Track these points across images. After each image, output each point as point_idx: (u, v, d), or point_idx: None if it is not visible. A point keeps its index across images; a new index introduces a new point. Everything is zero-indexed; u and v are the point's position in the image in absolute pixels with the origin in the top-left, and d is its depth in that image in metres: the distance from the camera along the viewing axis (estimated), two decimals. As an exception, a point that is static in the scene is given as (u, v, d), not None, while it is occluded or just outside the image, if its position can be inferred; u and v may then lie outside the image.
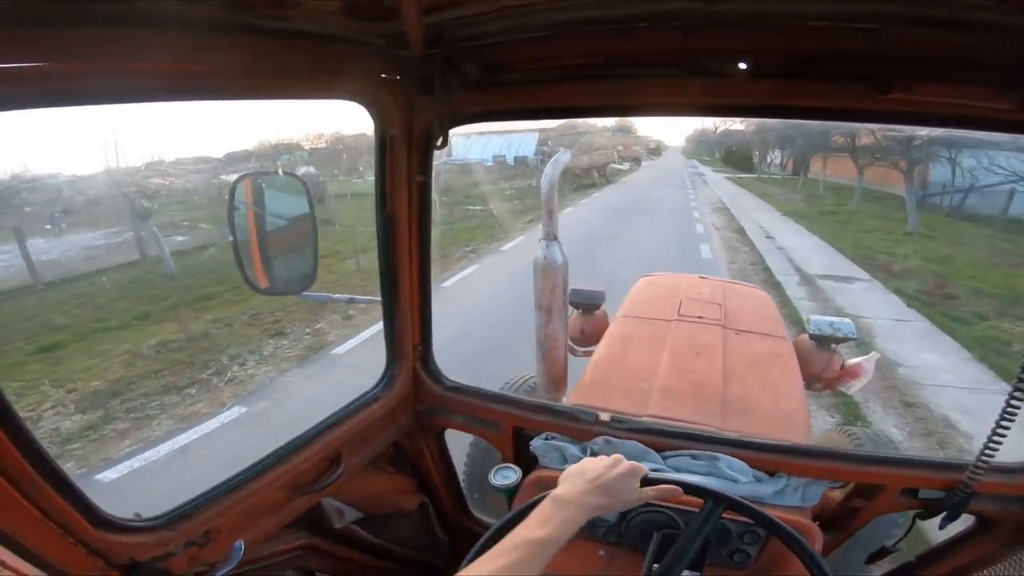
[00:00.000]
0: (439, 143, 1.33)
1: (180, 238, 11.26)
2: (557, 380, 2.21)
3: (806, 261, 10.75)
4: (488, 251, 11.73)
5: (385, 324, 1.55)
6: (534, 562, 0.79)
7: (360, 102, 1.24)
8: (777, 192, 24.08)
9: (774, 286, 8.65)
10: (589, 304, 2.92)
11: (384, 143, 1.32)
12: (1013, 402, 1.08)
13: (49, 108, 0.73)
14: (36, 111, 0.75)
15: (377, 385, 1.58)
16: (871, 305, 7.91)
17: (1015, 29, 0.84)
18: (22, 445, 0.78)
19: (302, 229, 1.50)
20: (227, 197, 1.40)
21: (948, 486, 1.30)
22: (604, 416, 1.51)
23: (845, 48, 0.97)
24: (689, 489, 1.11)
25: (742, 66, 1.04)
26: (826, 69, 1.00)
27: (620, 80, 1.15)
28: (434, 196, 1.47)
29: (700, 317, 2.47)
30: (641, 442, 1.45)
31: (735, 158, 41.06)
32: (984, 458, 1.19)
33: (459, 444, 2.49)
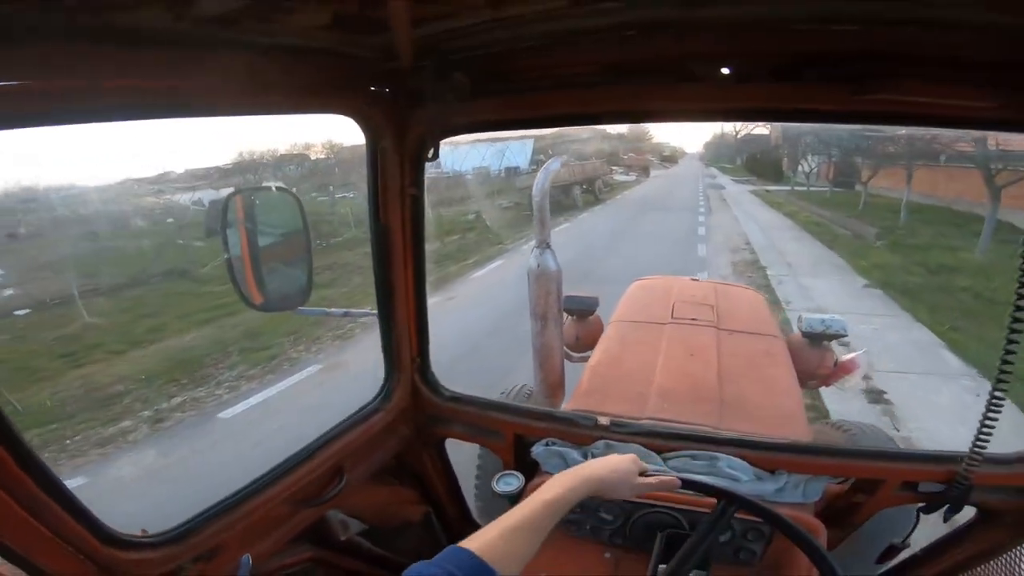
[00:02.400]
0: (430, 155, 1.34)
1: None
2: (554, 387, 2.22)
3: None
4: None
5: (382, 336, 1.54)
6: (544, 521, 0.85)
7: (350, 116, 1.23)
8: (832, 218, 15.34)
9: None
10: (583, 310, 2.94)
11: (376, 156, 1.32)
12: (997, 392, 1.10)
13: (26, 128, 0.70)
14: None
15: (376, 398, 1.57)
16: None
17: (999, 27, 0.85)
18: (25, 463, 0.77)
19: (296, 244, 1.49)
20: (220, 213, 1.39)
21: (946, 478, 1.30)
22: (603, 420, 1.51)
23: (828, 50, 0.97)
24: (704, 489, 1.13)
25: (725, 71, 1.06)
26: (810, 72, 1.01)
27: (612, 87, 1.16)
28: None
29: (693, 319, 2.49)
30: (641, 445, 1.45)
31: (760, 165, 34.48)
32: (977, 449, 1.19)
33: (469, 454, 2.47)
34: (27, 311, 8.13)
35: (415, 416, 1.68)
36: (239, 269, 1.40)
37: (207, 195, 14.76)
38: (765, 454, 1.41)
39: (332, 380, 5.73)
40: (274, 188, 1.60)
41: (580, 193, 20.29)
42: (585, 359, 2.97)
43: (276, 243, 1.51)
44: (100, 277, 9.20)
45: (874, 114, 1.07)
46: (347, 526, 1.58)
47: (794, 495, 1.38)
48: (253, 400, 5.43)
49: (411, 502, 1.83)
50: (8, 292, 8.85)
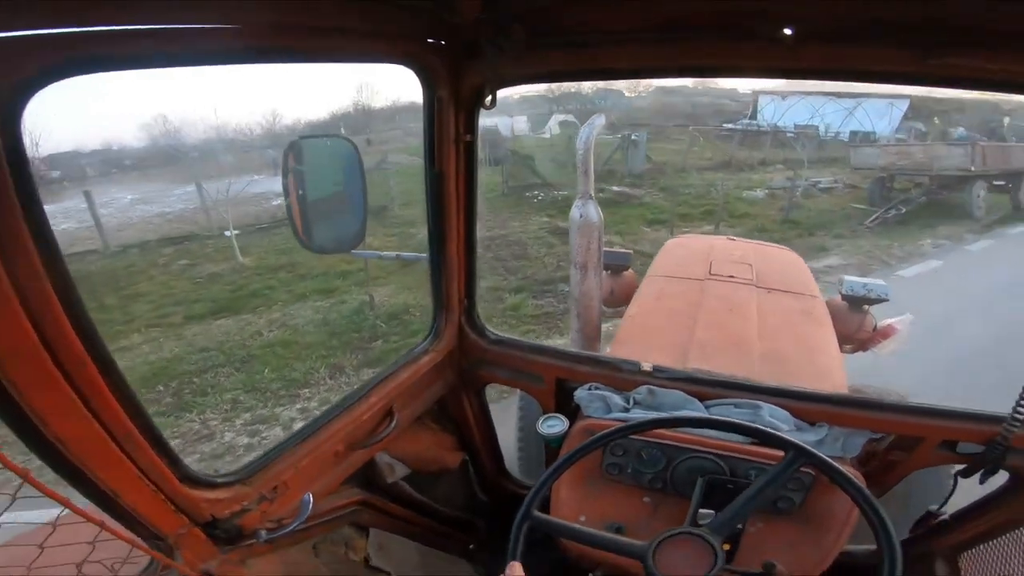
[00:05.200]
0: (487, 104, 1.37)
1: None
2: (591, 338, 2.29)
3: None
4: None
5: (432, 279, 1.61)
6: None
7: (408, 65, 1.27)
8: None
9: None
10: (618, 265, 2.97)
11: (432, 105, 1.36)
12: None
13: (81, 75, 0.72)
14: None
15: (425, 339, 1.66)
16: None
17: None
18: (127, 404, 0.84)
19: (352, 189, 1.56)
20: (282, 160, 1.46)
21: (986, 439, 1.28)
22: (646, 366, 1.55)
23: (893, 14, 0.97)
24: (769, 439, 1.17)
25: (787, 31, 1.05)
26: (872, 34, 1.01)
27: (669, 43, 1.16)
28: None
29: (731, 276, 2.49)
30: (683, 391, 1.49)
31: None
32: (1019, 411, 1.17)
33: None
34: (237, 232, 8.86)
35: (460, 360, 1.75)
36: (294, 214, 1.49)
37: (503, 121, 16.23)
38: (807, 404, 1.42)
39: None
40: (336, 136, 1.66)
41: (984, 194, 10.75)
42: (619, 314, 3.02)
43: (332, 189, 1.58)
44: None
45: (944, 78, 1.06)
46: (394, 469, 1.64)
47: (834, 448, 1.39)
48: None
49: (450, 449, 1.90)
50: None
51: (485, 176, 13.29)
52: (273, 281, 7.84)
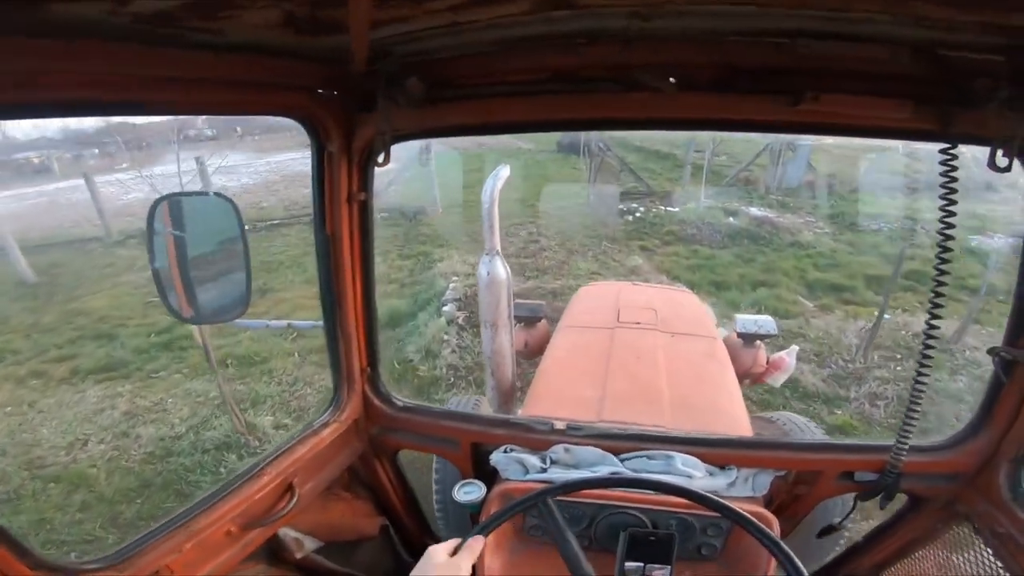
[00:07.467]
0: (381, 160, 1.29)
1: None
2: (507, 393, 2.21)
3: None
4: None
5: (329, 348, 1.48)
6: None
7: (295, 118, 1.19)
8: None
9: None
10: (531, 317, 2.96)
11: (322, 160, 1.27)
12: (919, 384, 1.17)
13: None
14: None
15: (326, 410, 1.51)
16: None
17: (906, 42, 0.93)
18: None
19: (231, 252, 1.41)
20: (147, 220, 1.30)
21: (879, 467, 1.36)
22: (560, 425, 1.51)
23: (761, 62, 1.03)
24: (675, 491, 1.16)
25: (672, 80, 1.09)
26: (744, 82, 1.06)
27: (564, 95, 1.17)
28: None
29: (638, 323, 2.56)
30: (598, 447, 1.46)
31: None
32: (903, 438, 1.26)
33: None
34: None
35: (367, 428, 1.62)
36: (167, 280, 1.32)
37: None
38: (716, 450, 1.45)
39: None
40: (208, 194, 1.51)
41: None
42: (535, 365, 2.99)
43: (209, 251, 1.43)
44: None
45: (806, 125, 1.13)
46: (302, 544, 1.52)
47: (744, 489, 1.43)
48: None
49: (366, 515, 1.79)
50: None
51: (574, 172, 11.36)
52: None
